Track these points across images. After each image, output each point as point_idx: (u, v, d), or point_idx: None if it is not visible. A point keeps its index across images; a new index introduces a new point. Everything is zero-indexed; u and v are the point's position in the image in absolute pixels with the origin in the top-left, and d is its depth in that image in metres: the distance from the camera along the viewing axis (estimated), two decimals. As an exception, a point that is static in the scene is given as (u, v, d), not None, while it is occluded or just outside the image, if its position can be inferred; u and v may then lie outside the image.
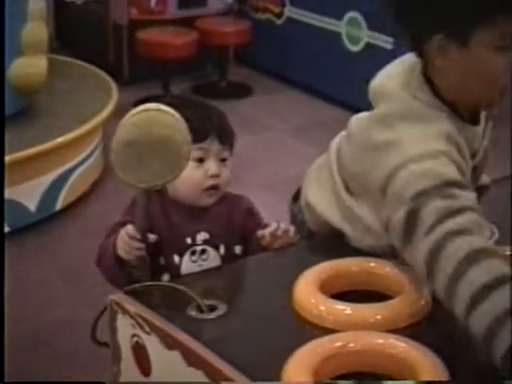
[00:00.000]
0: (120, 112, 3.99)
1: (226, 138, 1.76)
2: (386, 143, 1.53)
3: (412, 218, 1.43)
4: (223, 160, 1.75)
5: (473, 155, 1.66)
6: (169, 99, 5.21)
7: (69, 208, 3.66)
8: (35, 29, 3.55)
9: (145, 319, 1.45)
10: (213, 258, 1.75)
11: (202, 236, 1.74)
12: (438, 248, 1.38)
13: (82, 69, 4.36)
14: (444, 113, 1.57)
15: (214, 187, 1.74)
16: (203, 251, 1.74)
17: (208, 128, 1.73)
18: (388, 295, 1.53)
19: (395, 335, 1.37)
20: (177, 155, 1.50)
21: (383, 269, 1.57)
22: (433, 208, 1.41)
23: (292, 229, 1.74)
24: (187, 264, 1.73)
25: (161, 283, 1.62)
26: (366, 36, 4.60)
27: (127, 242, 1.60)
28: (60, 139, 3.51)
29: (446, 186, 1.44)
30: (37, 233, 3.47)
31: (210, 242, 1.75)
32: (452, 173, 1.48)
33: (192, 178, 1.71)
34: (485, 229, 1.45)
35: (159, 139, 1.49)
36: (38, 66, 3.55)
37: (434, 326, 1.46)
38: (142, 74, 5.01)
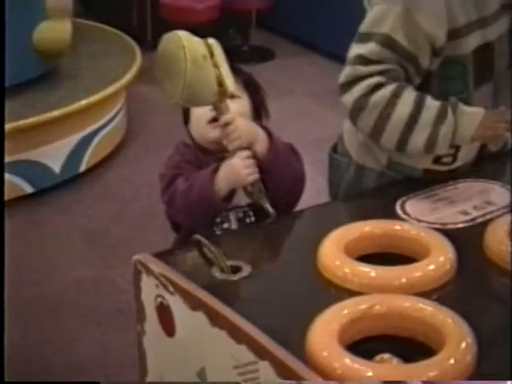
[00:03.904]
0: (143, 75, 4.03)
1: (235, 74, 1.76)
2: None
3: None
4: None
5: (482, 22, 1.74)
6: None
7: (92, 170, 3.67)
8: (60, -7, 3.54)
9: (169, 279, 1.45)
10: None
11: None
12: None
13: (105, 33, 4.34)
14: None
15: (216, 119, 1.75)
16: None
17: None
18: (413, 258, 1.52)
19: (421, 298, 1.37)
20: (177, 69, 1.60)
21: (409, 231, 1.56)
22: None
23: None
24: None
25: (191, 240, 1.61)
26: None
27: (248, 164, 1.68)
28: (84, 102, 3.51)
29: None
30: (60, 194, 3.49)
31: None
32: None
33: (197, 113, 1.79)
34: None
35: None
36: (62, 30, 3.54)
37: (459, 290, 1.46)
38: (166, 37, 4.98)
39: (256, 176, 1.70)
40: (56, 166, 3.49)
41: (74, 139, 3.54)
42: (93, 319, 2.73)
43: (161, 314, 1.50)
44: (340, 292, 1.43)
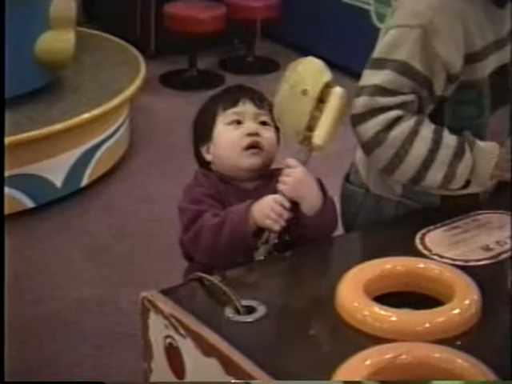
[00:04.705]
0: (146, 86, 3.96)
1: (261, 102, 1.77)
2: None
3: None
4: (263, 123, 1.75)
5: (498, 44, 1.69)
6: (194, 73, 5.13)
7: (94, 184, 3.60)
8: (63, 3, 3.47)
9: (179, 321, 1.38)
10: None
11: None
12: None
13: (109, 43, 4.27)
14: None
15: (254, 145, 1.72)
16: None
17: (239, 92, 1.79)
18: (436, 298, 1.45)
19: (449, 348, 1.29)
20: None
21: (432, 271, 1.49)
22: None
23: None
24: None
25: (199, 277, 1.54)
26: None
27: (278, 211, 1.60)
28: (87, 115, 3.43)
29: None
30: (61, 209, 3.42)
31: None
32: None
33: (231, 137, 1.73)
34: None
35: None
36: (65, 40, 3.47)
37: (484, 335, 1.38)
38: (169, 47, 4.92)
39: (277, 228, 1.61)
40: (57, 181, 3.42)
41: (76, 153, 3.47)
42: (94, 342, 2.66)
43: (170, 356, 1.43)
44: (359, 336, 1.37)
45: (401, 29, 1.69)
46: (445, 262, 1.56)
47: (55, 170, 3.41)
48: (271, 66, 5.07)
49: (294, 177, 1.63)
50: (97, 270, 3.06)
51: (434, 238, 1.67)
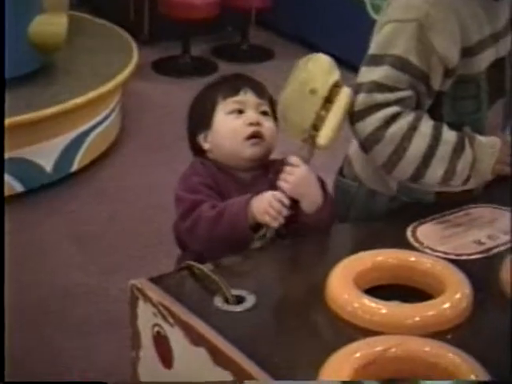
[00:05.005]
0: (139, 71, 3.93)
1: (262, 92, 1.76)
2: None
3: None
4: (264, 113, 1.74)
5: (494, 37, 1.68)
6: (187, 60, 5.11)
7: (85, 170, 3.57)
8: (56, -15, 3.44)
9: (168, 309, 1.37)
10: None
11: None
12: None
13: (102, 27, 4.24)
14: None
15: (256, 135, 1.71)
16: None
17: (240, 81, 1.77)
18: (426, 292, 1.44)
19: (440, 343, 1.28)
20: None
21: (424, 264, 1.48)
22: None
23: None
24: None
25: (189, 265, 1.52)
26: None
27: (277, 208, 1.58)
28: (79, 100, 3.40)
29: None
30: (51, 194, 3.39)
31: None
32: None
33: (233, 127, 1.71)
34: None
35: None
36: (58, 24, 3.44)
37: (475, 329, 1.38)
38: (163, 33, 4.89)
39: (275, 225, 1.60)
40: (48, 165, 3.39)
41: (67, 137, 3.44)
42: (81, 329, 2.64)
43: (158, 344, 1.42)
44: (349, 328, 1.36)
45: (396, 23, 1.67)
46: (436, 256, 1.56)
47: (45, 154, 3.38)
48: (265, 55, 5.05)
49: (297, 175, 1.61)
50: (86, 257, 3.04)
51: (426, 232, 1.66)
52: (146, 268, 2.86)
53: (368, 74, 1.66)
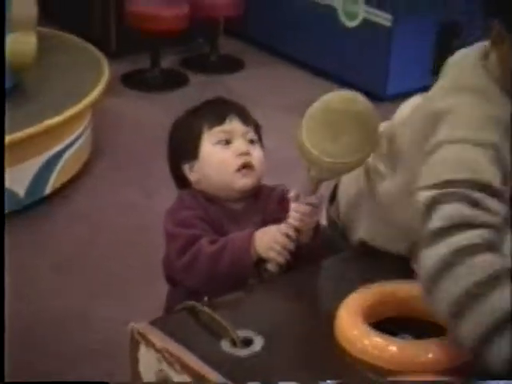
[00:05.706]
0: (108, 86, 3.85)
1: (247, 118, 1.72)
2: (444, 111, 1.39)
3: (431, 206, 1.30)
4: (252, 142, 1.70)
5: None
6: (157, 73, 5.04)
7: (59, 192, 3.49)
8: (23, 5, 3.35)
9: (174, 356, 1.31)
10: None
11: None
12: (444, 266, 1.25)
13: (69, 42, 4.14)
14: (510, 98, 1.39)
15: (246, 166, 1.67)
16: None
17: (225, 109, 1.73)
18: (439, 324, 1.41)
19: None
20: (370, 132, 1.49)
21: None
22: (450, 210, 1.27)
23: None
24: None
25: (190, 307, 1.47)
26: (363, 12, 4.44)
27: (283, 242, 1.54)
28: (49, 121, 3.31)
29: (476, 187, 1.29)
30: (26, 218, 3.31)
31: None
32: (491, 174, 1.31)
33: (222, 159, 1.67)
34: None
35: (357, 113, 1.49)
36: (27, 42, 3.36)
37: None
38: (130, 46, 4.82)
39: (281, 260, 1.56)
40: (20, 190, 3.30)
41: (39, 160, 3.36)
42: (65, 358, 2.57)
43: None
44: (359, 364, 1.32)
45: (476, 148, 1.34)
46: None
47: (18, 179, 3.28)
48: (236, 65, 5.01)
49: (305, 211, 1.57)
50: (65, 282, 2.97)
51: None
52: (127, 292, 2.80)
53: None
